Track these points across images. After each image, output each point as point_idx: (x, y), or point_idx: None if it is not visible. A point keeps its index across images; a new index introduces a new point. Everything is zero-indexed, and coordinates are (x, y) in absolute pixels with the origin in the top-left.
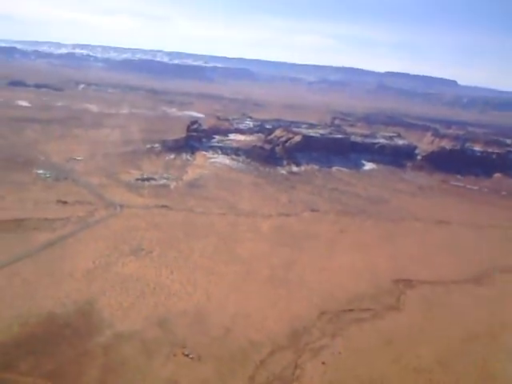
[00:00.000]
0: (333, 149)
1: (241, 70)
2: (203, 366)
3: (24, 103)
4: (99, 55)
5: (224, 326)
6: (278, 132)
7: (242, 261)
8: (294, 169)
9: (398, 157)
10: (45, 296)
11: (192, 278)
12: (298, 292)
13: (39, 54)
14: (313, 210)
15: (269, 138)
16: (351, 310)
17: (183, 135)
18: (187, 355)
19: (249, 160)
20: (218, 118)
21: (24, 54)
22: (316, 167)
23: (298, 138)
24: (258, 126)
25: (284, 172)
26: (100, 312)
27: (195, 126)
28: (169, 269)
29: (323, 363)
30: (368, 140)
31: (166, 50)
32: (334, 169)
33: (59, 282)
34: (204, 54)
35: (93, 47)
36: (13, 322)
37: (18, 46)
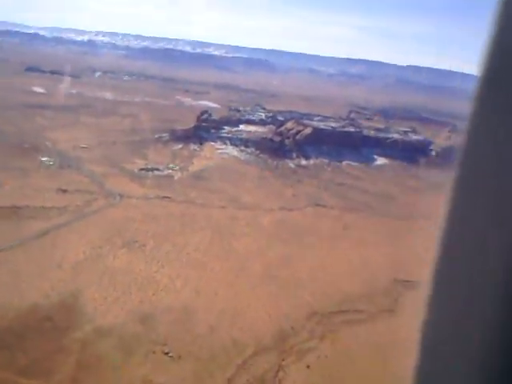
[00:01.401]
0: (344, 142)
1: (260, 60)
2: (182, 366)
3: (39, 89)
4: (120, 43)
5: (209, 324)
6: (289, 124)
7: (236, 256)
8: (303, 162)
9: (411, 152)
10: (29, 287)
11: (183, 273)
12: (290, 290)
13: (60, 41)
14: (317, 205)
15: (279, 129)
16: (344, 311)
17: (193, 125)
18: (167, 353)
19: (257, 152)
20: (230, 109)
21: (45, 40)
22: (325, 161)
23: (308, 131)
24: (270, 117)
25: (292, 165)
26: (83, 306)
27: (205, 116)
28: (160, 263)
29: (308, 367)
30: (381, 134)
31: (187, 38)
32: (344, 163)
33: (47, 272)
34: (226, 43)
35: (114, 35)
36: None
37: (40, 33)
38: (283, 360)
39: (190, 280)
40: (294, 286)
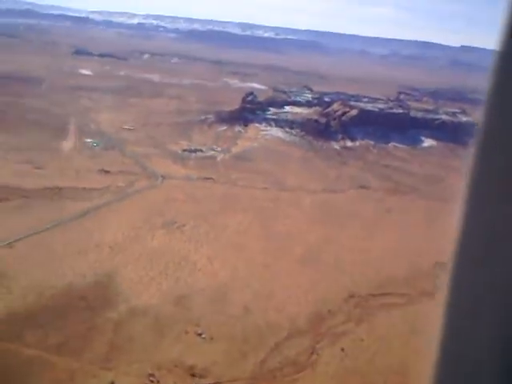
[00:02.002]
0: (391, 124)
1: (311, 42)
2: (214, 347)
3: (86, 72)
4: (169, 25)
5: (244, 306)
6: (335, 105)
7: (276, 238)
8: (348, 144)
9: (459, 134)
10: (66, 267)
11: (221, 254)
12: (329, 273)
13: (110, 24)
14: (361, 187)
15: (325, 111)
16: (383, 294)
17: (238, 107)
18: (199, 334)
19: (302, 133)
20: (275, 90)
21: (95, 23)
22: (371, 143)
23: (354, 112)
24: (316, 98)
25: (337, 147)
26: (118, 286)
27: (250, 98)
28: (198, 243)
29: (342, 350)
30: (429, 116)
31: (237, 20)
32: (390, 145)
33: (84, 252)
34: (276, 25)
35: (164, 17)
36: (29, 292)
37: (91, 16)
38: (317, 343)
39: (227, 261)
40: (334, 268)
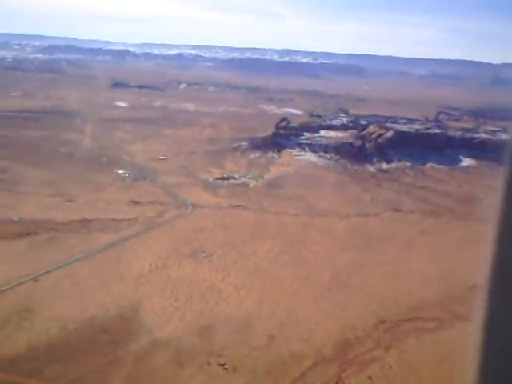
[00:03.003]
0: (427, 144)
1: (349, 65)
2: (235, 379)
3: (122, 104)
4: (207, 55)
5: (268, 335)
6: (371, 128)
7: (305, 264)
8: (384, 166)
9: (500, 153)
10: (90, 299)
11: (247, 283)
12: (358, 298)
13: (149, 56)
14: (395, 210)
15: (361, 134)
16: (414, 319)
17: (271, 133)
18: (222, 365)
19: (337, 157)
20: (311, 115)
21: (135, 56)
22: (408, 164)
23: (389, 134)
24: (352, 121)
25: (372, 169)
26: (142, 317)
27: (284, 123)
28: (225, 272)
29: (370, 378)
30: (468, 135)
31: (276, 47)
32: (428, 166)
33: (109, 285)
34: (314, 50)
35: (202, 47)
36: (52, 325)
37: (131, 49)
38: (344, 371)
39: (253, 289)
40: (363, 293)
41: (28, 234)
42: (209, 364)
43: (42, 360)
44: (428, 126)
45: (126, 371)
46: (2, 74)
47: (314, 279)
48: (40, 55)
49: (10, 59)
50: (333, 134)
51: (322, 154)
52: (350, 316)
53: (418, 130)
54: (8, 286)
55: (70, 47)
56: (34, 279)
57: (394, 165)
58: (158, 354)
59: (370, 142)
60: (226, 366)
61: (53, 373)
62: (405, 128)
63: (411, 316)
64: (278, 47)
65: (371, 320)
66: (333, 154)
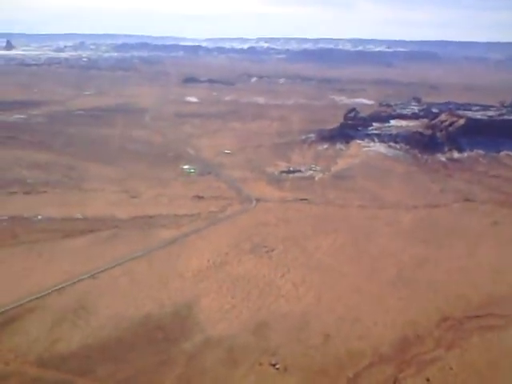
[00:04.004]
0: (502, 132)
1: (423, 52)
2: (287, 379)
3: (193, 99)
4: (280, 47)
5: (325, 333)
6: (442, 116)
7: (369, 258)
8: (456, 155)
9: None
10: (146, 297)
11: (308, 279)
12: (423, 294)
13: (221, 50)
14: (466, 200)
15: (432, 122)
16: (480, 316)
17: (339, 124)
18: (274, 365)
19: (406, 147)
20: (380, 104)
21: (207, 51)
22: (481, 152)
23: (461, 122)
24: (423, 110)
25: (443, 159)
26: (197, 315)
27: (352, 114)
28: (285, 268)
29: (428, 380)
30: None
31: (348, 37)
32: (503, 154)
33: (166, 281)
34: (387, 38)
35: (275, 40)
36: (106, 323)
37: (203, 44)
38: (401, 371)
39: (314, 285)
40: (428, 289)
41: (91, 232)
42: (260, 364)
43: (94, 358)
44: (503, 112)
45: (178, 371)
46: (78, 74)
47: (377, 274)
48: (114, 54)
49: (85, 59)
50: (403, 123)
51: (391, 144)
52: (412, 313)
53: (491, 116)
54: (67, 284)
55: (144, 45)
56: (93, 277)
57: (466, 154)
58: (210, 352)
59: (441, 130)
60: (277, 366)
61: (104, 372)
62: (478, 115)
63: (478, 313)
64: (350, 37)
65: (434, 317)
66: (402, 144)
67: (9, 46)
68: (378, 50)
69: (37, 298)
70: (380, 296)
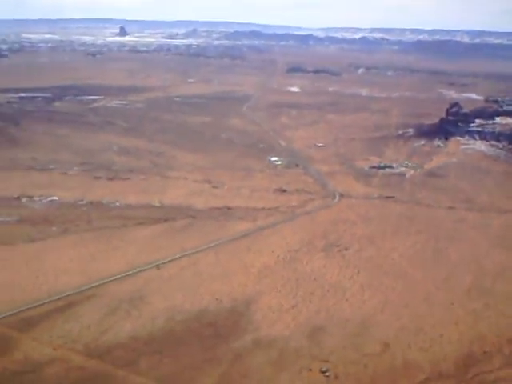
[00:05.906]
0: None
1: None
2: None
3: (294, 89)
4: (393, 38)
5: (384, 342)
6: None
7: (446, 264)
8: None
9: None
10: (207, 290)
11: (377, 282)
12: (499, 307)
13: (333, 40)
14: None
15: None
16: None
17: (439, 119)
18: (324, 372)
19: (510, 147)
20: (486, 100)
21: (318, 40)
22: None
23: None
24: None
25: None
26: (254, 313)
27: (454, 110)
28: (356, 269)
29: None
30: None
31: (466, 28)
32: None
33: (231, 276)
34: (509, 30)
35: (389, 30)
36: (160, 315)
37: (314, 33)
38: None
39: (381, 289)
40: (506, 302)
41: (165, 220)
42: (310, 370)
43: (139, 350)
44: None
45: (221, 370)
46: (186, 61)
47: (452, 282)
48: (225, 41)
49: (195, 46)
50: (509, 120)
51: (493, 142)
52: (483, 327)
53: None
54: (129, 273)
55: (255, 33)
56: (157, 267)
57: None
58: (258, 354)
59: None
60: (327, 374)
61: (146, 365)
62: None
63: None
64: (469, 28)
65: (507, 333)
66: (505, 143)
67: (122, 33)
68: (497, 42)
69: (97, 286)
70: (450, 306)
